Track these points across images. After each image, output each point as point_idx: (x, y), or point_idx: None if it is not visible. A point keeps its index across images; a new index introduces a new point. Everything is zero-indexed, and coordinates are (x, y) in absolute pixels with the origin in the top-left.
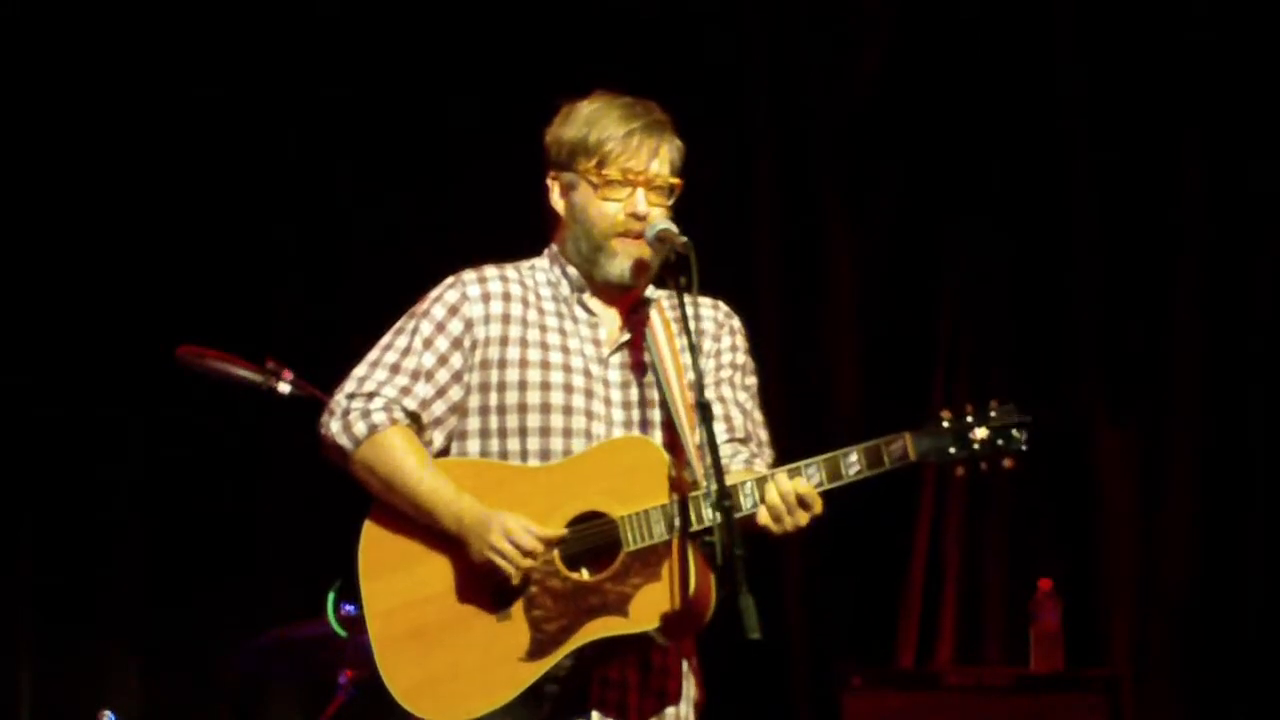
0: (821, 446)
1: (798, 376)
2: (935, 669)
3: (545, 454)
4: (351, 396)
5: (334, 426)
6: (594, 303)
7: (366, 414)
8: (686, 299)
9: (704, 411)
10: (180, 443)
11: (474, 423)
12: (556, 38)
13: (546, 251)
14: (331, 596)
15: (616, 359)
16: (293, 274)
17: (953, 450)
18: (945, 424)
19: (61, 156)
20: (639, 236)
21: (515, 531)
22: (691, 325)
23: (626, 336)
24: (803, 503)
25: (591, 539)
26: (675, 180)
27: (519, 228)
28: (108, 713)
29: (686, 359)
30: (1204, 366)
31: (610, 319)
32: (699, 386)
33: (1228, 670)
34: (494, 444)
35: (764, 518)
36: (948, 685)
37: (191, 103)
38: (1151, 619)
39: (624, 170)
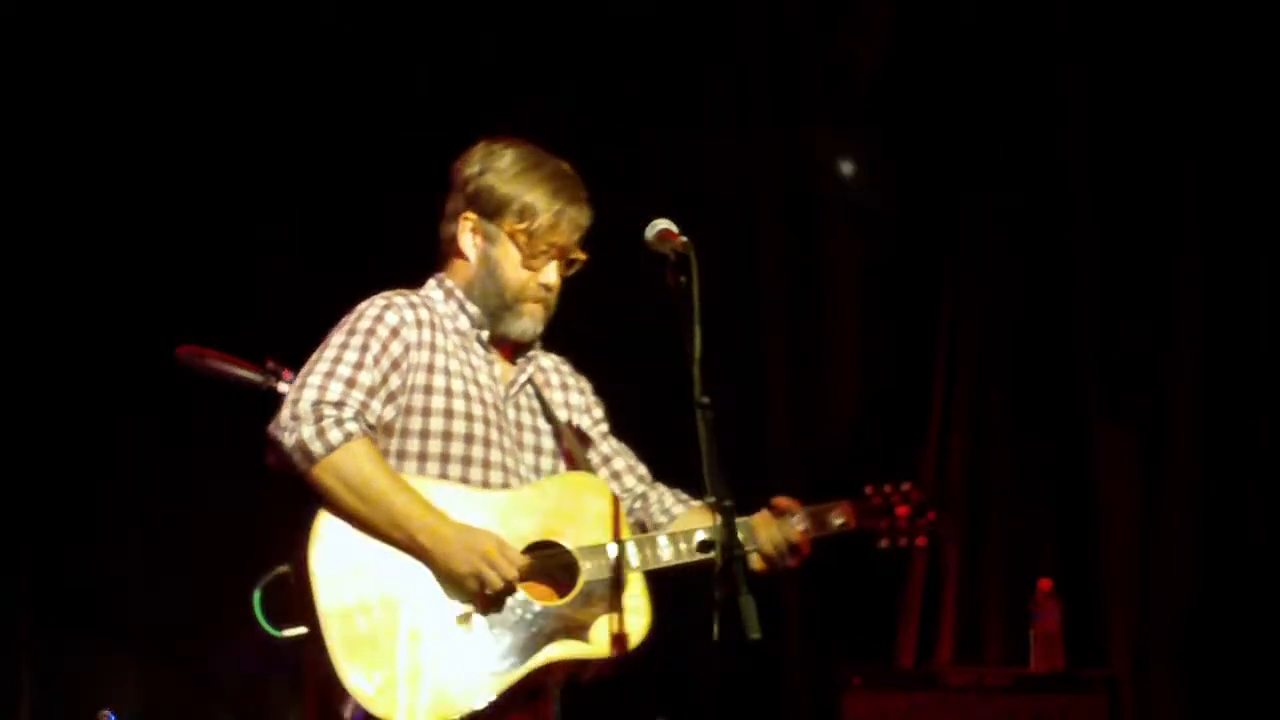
0: (821, 446)
1: (798, 377)
2: (935, 669)
3: (465, 481)
4: (319, 404)
5: (305, 432)
6: (489, 343)
7: (340, 422)
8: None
9: (702, 412)
10: (180, 442)
11: (395, 443)
12: (555, 38)
13: (436, 283)
14: (258, 595)
15: (513, 399)
16: (293, 274)
17: (882, 525)
18: (873, 500)
19: (60, 155)
20: (540, 301)
21: (504, 546)
22: (695, 328)
23: (519, 378)
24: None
25: (549, 567)
26: (583, 256)
27: None
28: (108, 713)
29: (562, 398)
30: (1204, 366)
31: (501, 361)
32: (696, 386)
33: (1228, 670)
34: (411, 465)
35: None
36: (948, 685)
37: (187, 102)
38: (1151, 619)
39: (550, 244)
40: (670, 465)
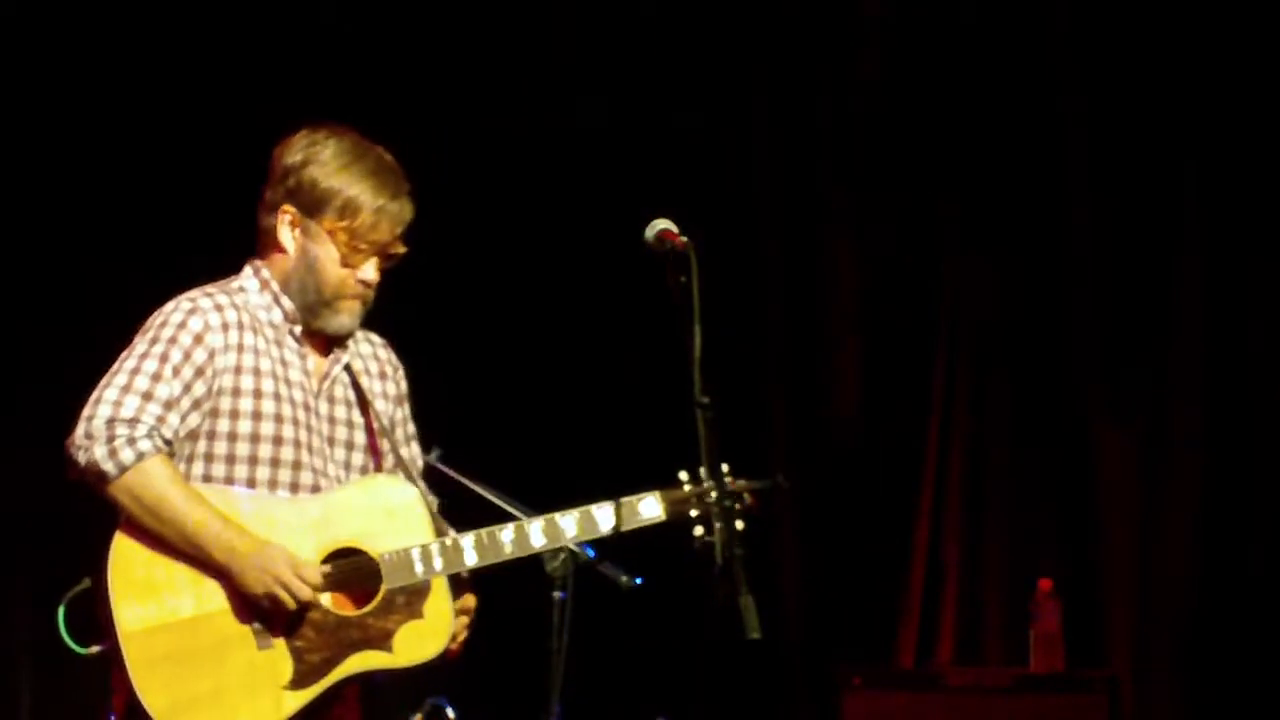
0: (822, 446)
1: (799, 377)
2: (935, 669)
3: (274, 484)
4: (112, 422)
5: (98, 452)
6: (302, 335)
7: (132, 441)
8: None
9: (702, 412)
10: None
11: (203, 446)
12: (554, 38)
13: (252, 272)
14: (62, 611)
15: (326, 392)
16: None
17: (693, 513)
18: (685, 487)
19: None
20: (359, 297)
21: (299, 564)
22: (695, 328)
23: (333, 370)
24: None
25: (351, 575)
26: (403, 249)
27: None
28: (109, 713)
29: (380, 388)
30: (1204, 366)
31: (315, 352)
32: (697, 386)
33: (1228, 670)
34: (220, 469)
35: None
36: (948, 685)
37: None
38: (1151, 619)
39: (371, 242)
40: (670, 465)
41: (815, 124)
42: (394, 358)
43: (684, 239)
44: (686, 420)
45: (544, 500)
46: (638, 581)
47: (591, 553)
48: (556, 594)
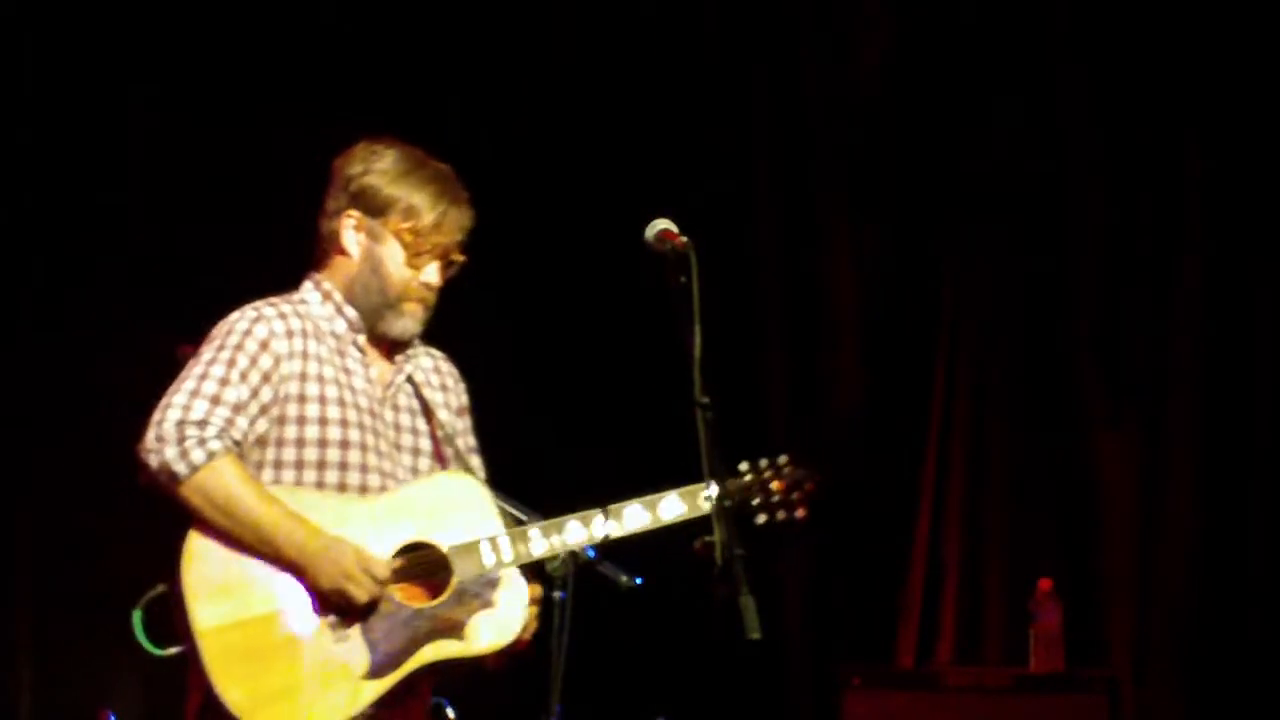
0: (822, 446)
1: (799, 377)
2: (935, 669)
3: (342, 487)
4: (181, 424)
5: (169, 453)
6: (366, 344)
7: (203, 441)
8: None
9: (702, 412)
10: None
11: (271, 453)
12: (555, 38)
13: (313, 285)
14: (138, 615)
15: (390, 400)
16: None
17: (754, 501)
18: (746, 476)
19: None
20: (421, 300)
21: (368, 558)
22: (695, 328)
23: (396, 379)
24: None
25: (421, 568)
26: (463, 258)
27: None
28: (108, 713)
29: (441, 399)
30: (1204, 367)
31: (378, 360)
32: (697, 386)
33: (1228, 670)
34: (289, 475)
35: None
36: (948, 685)
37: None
38: (1151, 619)
39: (434, 243)
40: (669, 465)
41: (815, 124)
42: (455, 371)
43: (684, 239)
44: (686, 420)
45: (545, 503)
46: (638, 581)
47: (591, 553)
48: (557, 594)
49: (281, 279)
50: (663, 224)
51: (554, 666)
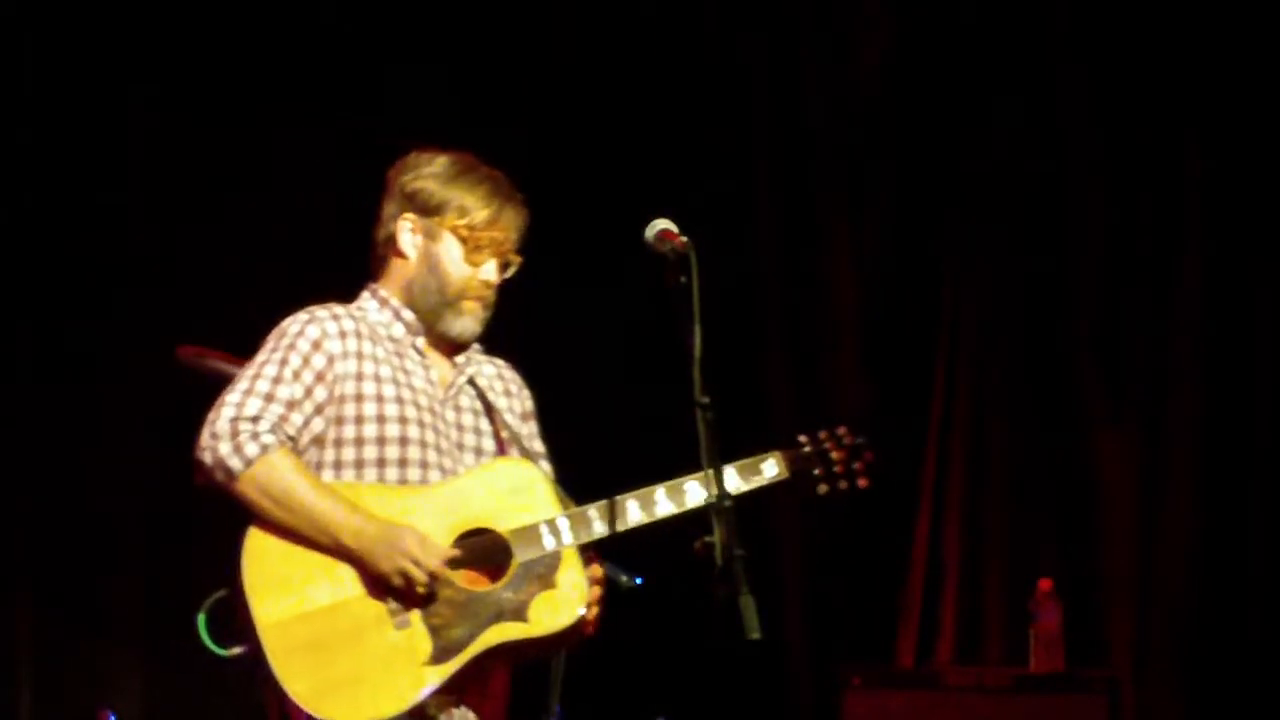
0: None
1: (799, 377)
2: (935, 669)
3: (403, 484)
4: (235, 420)
5: (223, 448)
6: (425, 347)
7: (256, 435)
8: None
9: (703, 412)
10: (181, 443)
11: (330, 454)
12: (555, 37)
13: (370, 294)
14: (203, 618)
15: (452, 400)
16: (293, 274)
17: (816, 471)
18: (805, 448)
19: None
20: (480, 299)
21: (427, 542)
22: (695, 328)
23: (458, 381)
24: None
25: (481, 552)
26: (519, 259)
27: None
28: (108, 713)
29: (505, 404)
30: (1204, 367)
31: (440, 363)
32: (697, 386)
33: (1228, 670)
34: (349, 474)
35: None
36: (948, 685)
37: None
38: (1151, 619)
39: (491, 240)
40: (669, 465)
41: (815, 124)
42: (518, 378)
43: (684, 239)
44: (687, 420)
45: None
46: (638, 581)
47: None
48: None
49: (282, 279)
50: (662, 224)
51: (554, 666)
